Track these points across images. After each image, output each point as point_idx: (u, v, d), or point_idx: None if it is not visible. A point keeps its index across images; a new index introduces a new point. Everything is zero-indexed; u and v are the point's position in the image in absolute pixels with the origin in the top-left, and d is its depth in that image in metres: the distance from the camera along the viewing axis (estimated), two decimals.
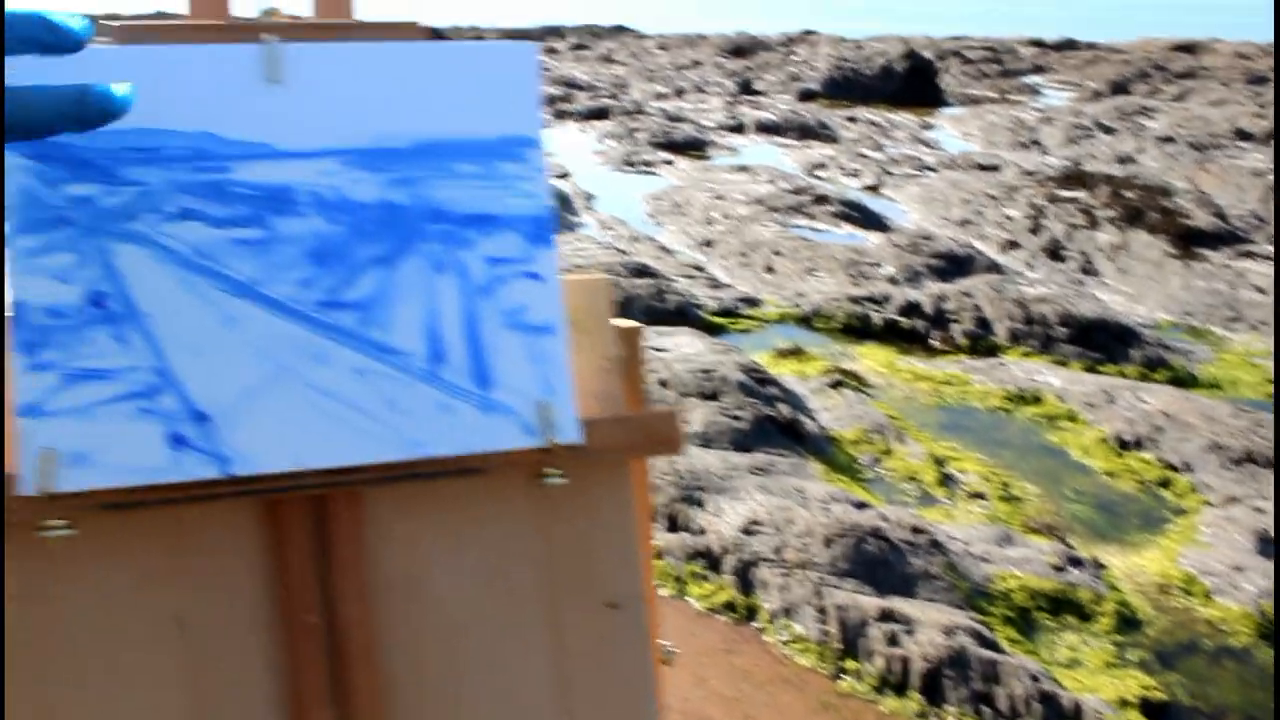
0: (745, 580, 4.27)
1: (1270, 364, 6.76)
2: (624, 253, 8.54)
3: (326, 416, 0.93)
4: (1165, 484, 5.28)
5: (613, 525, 1.05)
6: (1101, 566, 4.55)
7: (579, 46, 25.41)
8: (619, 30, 29.16)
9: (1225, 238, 8.85)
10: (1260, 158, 11.86)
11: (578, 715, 1.04)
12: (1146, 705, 3.68)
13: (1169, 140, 12.97)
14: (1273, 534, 4.68)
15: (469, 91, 0.98)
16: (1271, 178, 10.32)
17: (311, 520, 0.98)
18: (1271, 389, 6.45)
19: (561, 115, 15.89)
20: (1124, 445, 5.60)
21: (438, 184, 0.97)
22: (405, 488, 1.00)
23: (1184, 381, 6.54)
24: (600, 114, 16.01)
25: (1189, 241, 8.64)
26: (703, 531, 4.52)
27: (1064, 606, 4.31)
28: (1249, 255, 8.42)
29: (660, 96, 18.32)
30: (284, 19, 1.00)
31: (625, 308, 6.82)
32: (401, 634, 1.01)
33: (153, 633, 0.97)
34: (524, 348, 0.96)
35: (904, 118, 16.41)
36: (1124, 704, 3.67)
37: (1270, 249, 8.58)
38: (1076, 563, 4.54)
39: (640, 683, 1.07)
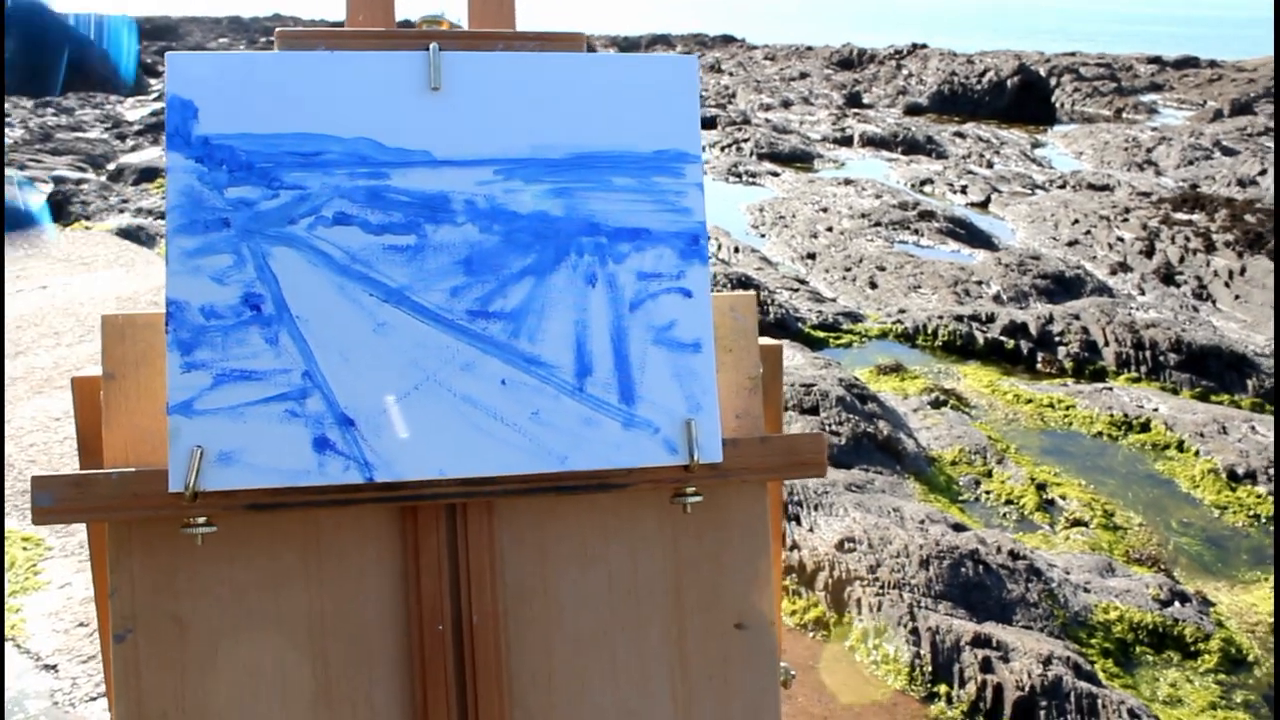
0: (838, 598, 4.22)
1: None
2: (726, 263, 8.51)
3: (470, 426, 0.92)
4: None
5: (745, 546, 1.03)
6: (1208, 603, 4.40)
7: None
8: (726, 40, 29.12)
9: None
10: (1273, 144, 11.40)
11: None
12: None
13: None
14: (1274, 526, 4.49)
15: (627, 104, 0.97)
16: None
17: (445, 528, 0.98)
18: None
19: None
20: (1235, 478, 5.41)
21: (592, 196, 0.96)
22: (541, 499, 0.99)
23: None
24: (707, 124, 15.99)
25: None
26: (797, 547, 4.47)
27: (1167, 642, 4.17)
28: None
29: (767, 107, 18.25)
30: (445, 26, 1.00)
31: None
32: (528, 644, 1.00)
33: (283, 632, 0.98)
34: (671, 364, 0.95)
35: (1014, 134, 16.12)
36: None
37: None
38: (1182, 597, 4.39)
39: (763, 705, 1.05)
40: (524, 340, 0.92)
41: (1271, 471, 5.37)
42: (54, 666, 3.23)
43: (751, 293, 1.02)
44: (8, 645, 3.27)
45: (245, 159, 0.92)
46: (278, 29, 0.98)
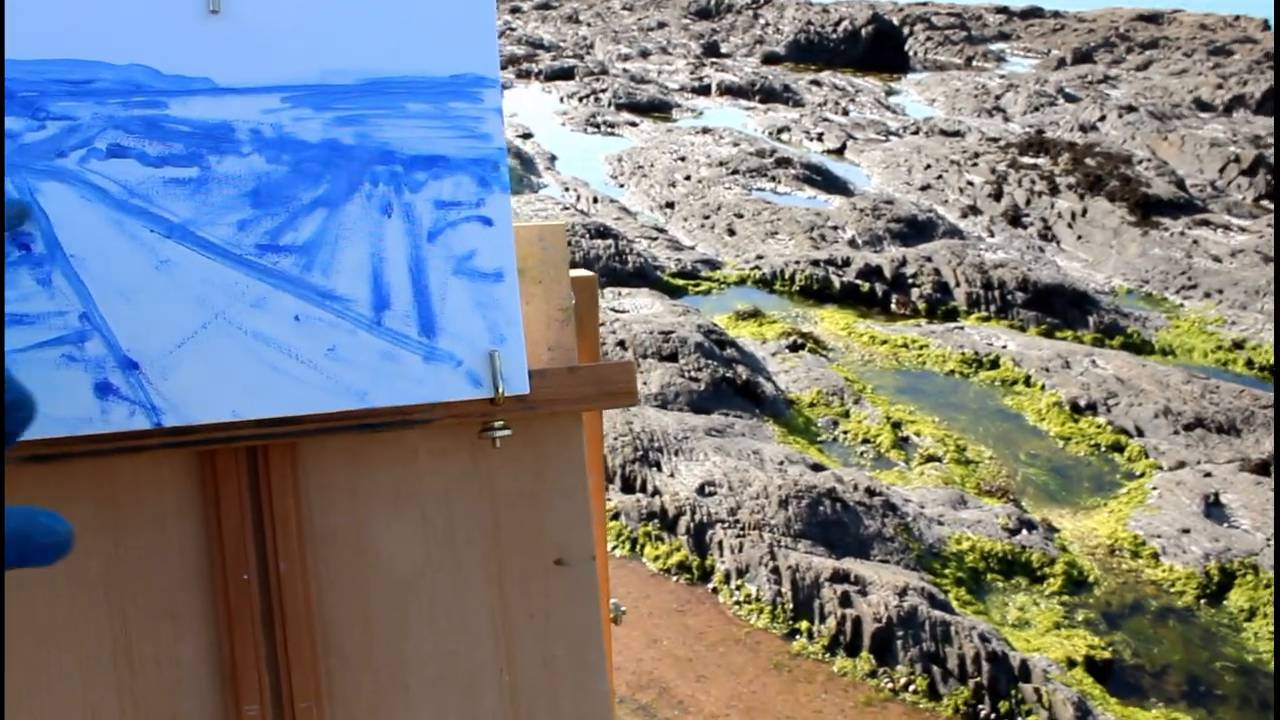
0: (700, 541, 4.26)
1: (1223, 330, 6.82)
2: (585, 214, 8.47)
3: (264, 365, 0.89)
4: (1118, 448, 5.32)
5: (562, 481, 1.02)
6: (1053, 529, 4.59)
7: (544, 6, 25.13)
8: None
9: (1183, 206, 8.91)
10: (1219, 128, 11.93)
11: (523, 673, 1.02)
12: (1092, 664, 3.72)
13: (1130, 109, 13.02)
14: (1221, 496, 4.74)
15: (422, 27, 0.94)
16: (1231, 148, 10.39)
17: (247, 473, 0.94)
18: (1224, 355, 6.51)
19: (524, 75, 15.71)
20: (1078, 410, 5.63)
21: (386, 123, 0.92)
22: (346, 439, 0.96)
23: (1138, 347, 6.60)
24: (564, 74, 15.86)
25: (1147, 210, 8.69)
26: (658, 493, 4.50)
27: (1015, 568, 4.34)
28: (1206, 224, 8.48)
29: (625, 58, 18.17)
30: None
31: (586, 269, 6.75)
32: (341, 590, 0.97)
33: (78, 590, 0.93)
34: (473, 295, 0.92)
35: (868, 82, 16.38)
36: (1071, 663, 3.70)
37: (1227, 218, 8.65)
38: (1029, 525, 4.57)
39: (589, 641, 1.04)
40: (317, 274, 0.89)
41: (1110, 402, 5.60)
42: None
43: (561, 223, 1.00)
44: None
45: (7, 87, 0.86)
46: None
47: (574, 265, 1.09)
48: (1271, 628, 3.94)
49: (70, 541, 0.64)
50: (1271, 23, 17.78)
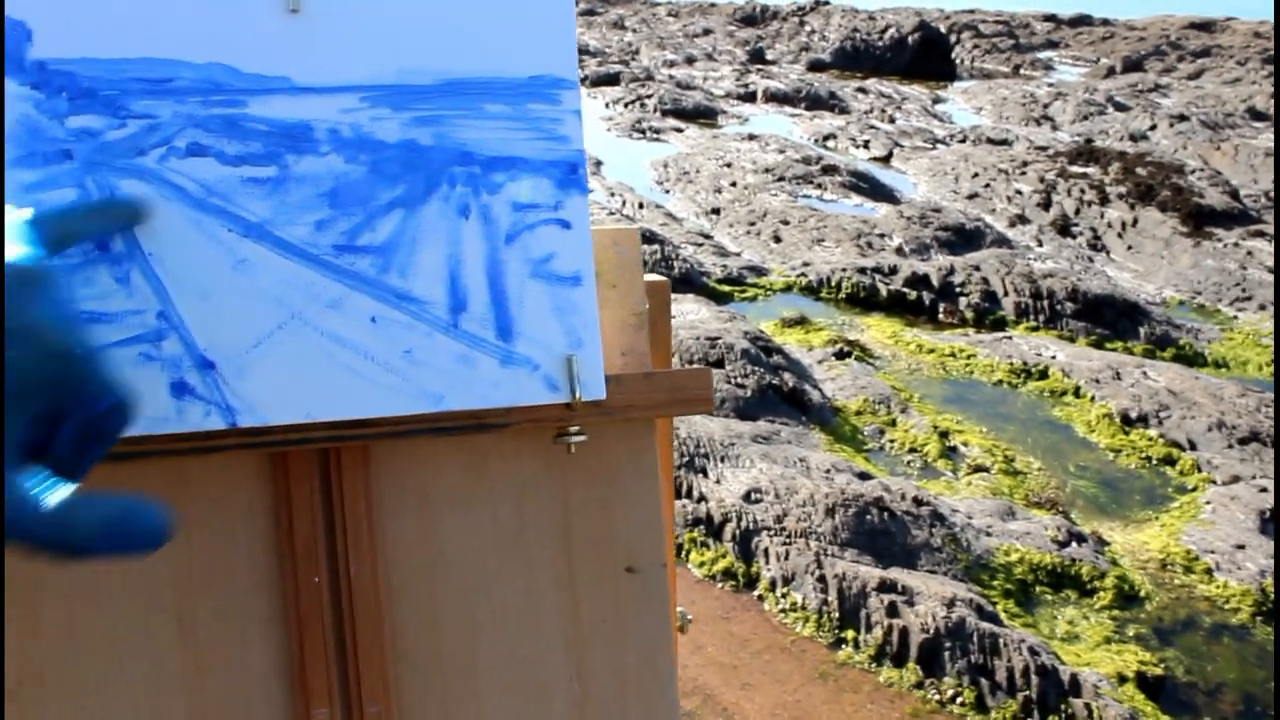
0: (746, 548, 4.25)
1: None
2: (631, 219, 8.47)
3: (339, 367, 0.88)
4: (1169, 461, 5.25)
5: (635, 487, 1.00)
6: (1103, 542, 4.53)
7: (589, 12, 25.21)
8: None
9: (1236, 217, 8.78)
10: (1273, 138, 11.75)
11: (594, 681, 1.00)
12: (1144, 680, 3.66)
13: (1182, 118, 12.86)
14: (1274, 514, 4.65)
15: (500, 27, 0.93)
16: None
17: (319, 475, 0.93)
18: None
19: None
20: (1129, 422, 5.56)
21: (464, 124, 0.91)
22: (417, 443, 0.95)
23: (1191, 360, 6.50)
24: (610, 80, 15.89)
25: (1200, 220, 8.58)
26: (704, 499, 4.49)
27: (1065, 581, 4.28)
28: (1260, 235, 8.36)
29: (670, 64, 18.18)
30: None
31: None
32: (411, 594, 0.97)
33: (148, 593, 0.93)
34: (550, 299, 0.91)
35: (915, 90, 16.28)
36: (1122, 679, 3.65)
37: None
38: (1078, 538, 4.51)
39: (658, 650, 1.03)
40: (394, 275, 0.88)
41: (1162, 415, 5.52)
42: None
43: (635, 227, 0.98)
44: None
45: (87, 85, 0.86)
46: None
47: None
48: None
49: (169, 531, 0.64)
50: None
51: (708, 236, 8.52)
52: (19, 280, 0.63)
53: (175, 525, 0.64)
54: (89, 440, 0.64)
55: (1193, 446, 5.31)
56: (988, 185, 9.96)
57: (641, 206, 9.11)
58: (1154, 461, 5.25)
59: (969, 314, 7.09)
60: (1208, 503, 4.83)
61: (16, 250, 0.65)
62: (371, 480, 0.94)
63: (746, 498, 4.44)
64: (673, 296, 6.51)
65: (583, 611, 1.00)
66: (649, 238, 7.66)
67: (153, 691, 0.92)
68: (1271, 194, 9.71)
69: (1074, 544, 4.45)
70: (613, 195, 9.45)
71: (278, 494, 0.93)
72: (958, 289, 7.28)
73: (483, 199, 0.91)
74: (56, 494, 0.59)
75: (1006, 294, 7.18)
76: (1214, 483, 5.04)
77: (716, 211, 9.15)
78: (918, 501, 4.50)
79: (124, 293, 0.85)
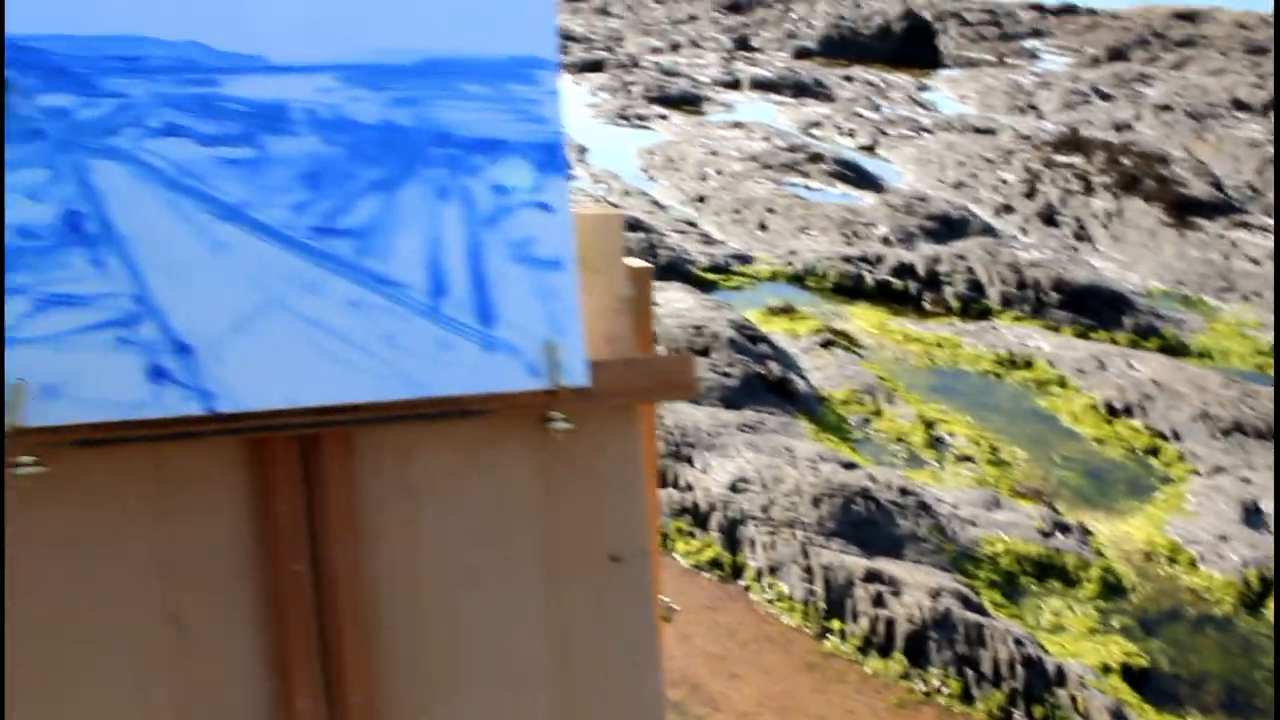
0: (732, 538, 4.23)
1: (1261, 334, 6.74)
2: (616, 207, 8.44)
3: (319, 351, 0.86)
4: (1154, 452, 5.25)
5: (619, 475, 0.99)
6: (1088, 533, 4.53)
7: None
8: None
9: (1220, 207, 8.80)
10: (1257, 128, 11.79)
11: (577, 669, 0.99)
12: (1128, 671, 3.66)
13: (1166, 108, 12.88)
14: (1260, 504, 4.67)
15: (480, 6, 0.91)
16: (1270, 149, 10.26)
17: (300, 461, 0.92)
18: (1263, 359, 6.42)
19: None
20: (1113, 412, 5.56)
21: (443, 105, 0.90)
22: (400, 429, 0.94)
23: (1175, 350, 6.51)
24: (594, 66, 15.81)
25: (1184, 210, 8.59)
26: (690, 488, 4.48)
27: (1050, 572, 4.28)
28: (1244, 225, 8.38)
29: (655, 50, 18.11)
30: None
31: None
32: (393, 582, 0.95)
33: (130, 577, 0.91)
34: (531, 283, 0.90)
35: (900, 78, 16.26)
36: (1106, 669, 3.65)
37: (1266, 220, 8.54)
38: (1063, 528, 4.51)
39: (642, 638, 1.02)
40: (373, 259, 0.86)
41: (1146, 405, 5.53)
42: None
43: (617, 211, 0.97)
44: None
45: (59, 63, 0.84)
46: None
47: None
48: None
49: None
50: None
51: (693, 224, 8.49)
52: None
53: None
54: None
55: (1177, 437, 5.31)
56: (973, 174, 9.96)
57: (627, 194, 9.08)
58: (1138, 452, 5.26)
59: (955, 303, 7.08)
60: (1192, 494, 4.84)
61: None
62: (353, 467, 0.93)
63: (732, 487, 4.42)
64: (658, 285, 6.50)
65: (566, 600, 0.99)
66: (634, 225, 7.63)
67: (140, 676, 0.91)
68: (1255, 185, 9.74)
69: (1059, 534, 4.45)
70: (597, 182, 9.41)
71: (258, 481, 0.91)
72: (943, 278, 7.28)
73: (462, 181, 0.89)
74: None
75: (992, 283, 7.18)
76: (1198, 474, 5.04)
77: (702, 199, 9.13)
78: (904, 491, 4.50)
79: (99, 275, 0.84)
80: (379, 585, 0.94)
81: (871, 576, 3.94)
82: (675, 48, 18.43)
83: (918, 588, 3.86)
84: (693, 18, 21.99)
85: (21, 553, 0.84)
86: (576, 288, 0.90)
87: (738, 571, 4.08)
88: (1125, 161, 9.74)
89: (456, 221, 0.88)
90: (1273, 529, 4.51)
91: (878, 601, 3.84)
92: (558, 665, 0.99)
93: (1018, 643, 3.62)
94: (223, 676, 0.93)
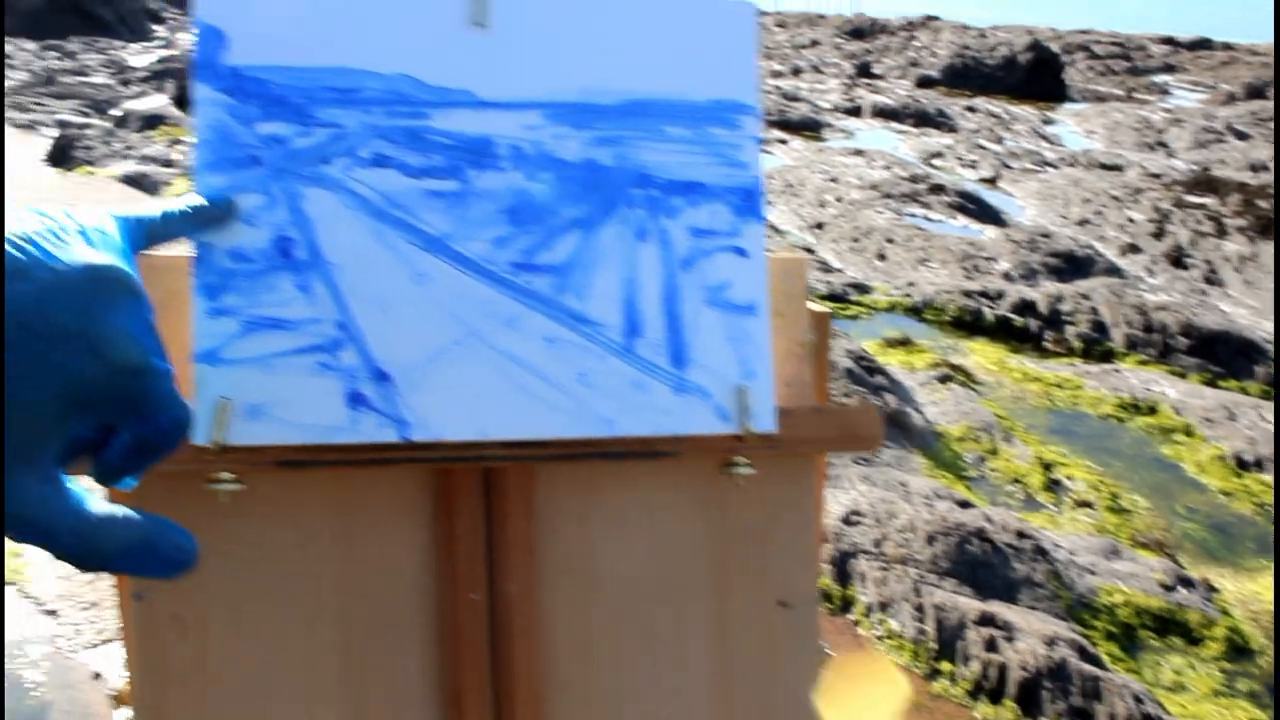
0: (843, 571, 4.19)
1: None
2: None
3: (513, 385, 0.87)
4: None
5: (792, 521, 0.98)
6: (1213, 589, 4.38)
7: None
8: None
9: None
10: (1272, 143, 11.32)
11: (742, 715, 0.99)
12: None
13: None
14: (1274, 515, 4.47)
15: (683, 49, 0.91)
16: None
17: (482, 491, 0.93)
18: None
19: None
20: (1243, 465, 5.38)
21: (645, 146, 0.90)
22: (581, 464, 0.94)
23: None
24: None
25: None
26: None
27: (1171, 627, 4.15)
28: None
29: (777, 75, 18.10)
30: None
31: None
32: (565, 615, 0.96)
33: (313, 594, 0.93)
34: (724, 327, 0.89)
35: (1025, 110, 15.99)
36: None
37: None
38: (1187, 583, 4.37)
39: (807, 686, 1.00)
40: (571, 296, 0.87)
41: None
42: (55, 612, 3.20)
43: (803, 255, 0.96)
44: (10, 588, 3.24)
45: (278, 93, 0.86)
46: None
47: None
48: None
49: (193, 561, 0.62)
50: None
51: (810, 251, 8.45)
52: (105, 285, 0.59)
53: (199, 556, 0.62)
54: (141, 453, 0.61)
55: None
56: (1099, 212, 9.73)
57: None
58: (1268, 508, 5.07)
59: (1076, 343, 6.93)
60: None
61: (105, 255, 0.60)
62: (534, 501, 0.93)
63: (846, 520, 4.38)
64: None
65: (733, 643, 0.99)
66: None
67: (308, 701, 0.93)
68: None
69: (1181, 589, 4.31)
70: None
71: (441, 509, 0.92)
72: (1065, 317, 7.12)
73: (661, 223, 0.90)
74: (94, 504, 0.57)
75: (1116, 325, 7.00)
76: None
77: (820, 226, 9.07)
78: (1020, 534, 4.40)
79: (305, 301, 0.86)
80: (550, 618, 0.95)
81: (985, 620, 3.86)
82: (797, 72, 18.39)
83: (1032, 634, 3.77)
84: (815, 43, 21.94)
85: (215, 562, 0.87)
86: (769, 333, 0.89)
87: (847, 605, 4.04)
88: (1262, 204, 9.43)
89: (654, 262, 0.89)
90: (1274, 534, 4.32)
91: (990, 646, 3.76)
92: (723, 708, 0.98)
93: (1136, 699, 3.51)
94: (392, 700, 0.94)
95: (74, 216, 0.60)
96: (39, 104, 12.41)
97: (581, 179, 0.89)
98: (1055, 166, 11.89)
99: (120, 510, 0.58)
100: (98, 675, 2.94)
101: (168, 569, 0.60)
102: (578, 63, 0.90)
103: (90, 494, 0.57)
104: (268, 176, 0.87)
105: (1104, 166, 11.78)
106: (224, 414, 0.84)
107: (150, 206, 0.73)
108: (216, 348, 0.84)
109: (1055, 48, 19.90)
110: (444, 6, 0.90)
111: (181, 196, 0.81)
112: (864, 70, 19.03)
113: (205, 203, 0.84)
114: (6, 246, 0.54)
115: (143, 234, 0.71)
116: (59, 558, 0.56)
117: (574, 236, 0.88)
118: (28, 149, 10.06)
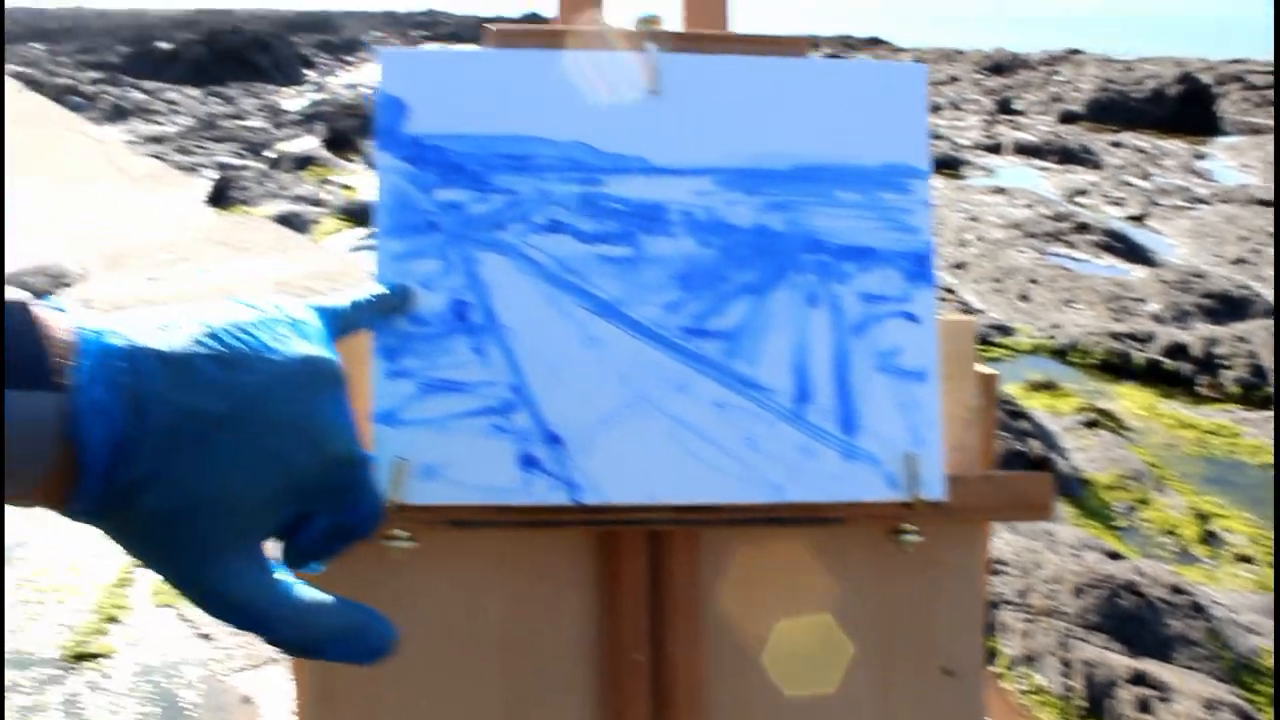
0: (987, 621, 4.08)
1: None
2: None
3: (683, 450, 0.88)
4: None
5: (959, 588, 0.97)
6: None
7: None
8: (874, 42, 28.71)
9: None
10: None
11: None
12: None
13: None
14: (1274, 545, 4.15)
15: (854, 113, 0.91)
16: None
17: (647, 554, 0.93)
18: None
19: None
20: None
21: (816, 211, 0.90)
22: (747, 529, 0.94)
23: None
24: None
25: None
26: None
27: None
28: None
29: None
30: (661, 28, 0.96)
31: None
32: (726, 680, 0.95)
33: (477, 651, 0.95)
34: (894, 393, 0.89)
35: (1174, 145, 15.50)
36: None
37: None
38: None
39: None
40: (741, 361, 0.87)
41: None
42: (208, 636, 3.32)
43: (971, 319, 0.95)
44: (169, 611, 3.38)
45: (455, 160, 0.89)
46: (490, 25, 0.95)
47: None
48: None
49: (393, 650, 0.62)
50: None
51: (951, 292, 8.30)
52: (320, 376, 0.60)
53: (397, 644, 0.64)
54: (336, 539, 0.63)
55: None
56: (1255, 250, 9.36)
57: None
58: None
59: (1233, 389, 6.65)
60: None
61: (318, 348, 0.62)
62: (699, 564, 0.94)
63: (990, 569, 4.27)
64: None
65: (895, 710, 0.97)
66: None
67: None
68: None
69: None
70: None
71: (606, 572, 0.93)
72: (1221, 361, 6.85)
73: (832, 288, 0.89)
74: (301, 590, 0.58)
75: (1276, 369, 6.70)
76: None
77: (961, 266, 8.92)
78: (1175, 589, 4.23)
79: (480, 364, 0.88)
80: (714, 683, 0.94)
81: (1137, 678, 3.71)
82: (936, 109, 18.17)
83: (1190, 696, 3.61)
84: (954, 79, 21.67)
85: (387, 615, 0.89)
86: (938, 400, 0.88)
87: (990, 657, 3.92)
88: None
89: (824, 328, 0.88)
90: (1274, 542, 4.01)
91: (1144, 707, 3.61)
92: None
93: None
94: None
95: (282, 308, 0.63)
96: (201, 147, 13.03)
97: (752, 244, 0.90)
98: (1208, 203, 11.47)
99: (327, 597, 0.60)
100: (247, 699, 3.04)
101: (371, 656, 0.62)
102: (749, 128, 0.91)
103: (296, 581, 0.59)
104: (445, 242, 0.89)
105: (1261, 203, 11.33)
106: (401, 474, 0.86)
107: (340, 298, 0.76)
108: (395, 408, 0.87)
109: (1207, 79, 19.26)
110: (617, 74, 0.91)
111: (364, 286, 0.84)
112: (1004, 106, 18.69)
113: (387, 291, 0.87)
114: (226, 338, 0.57)
115: (338, 324, 0.73)
116: (270, 643, 0.58)
117: (745, 302, 0.89)
118: (190, 191, 10.54)
